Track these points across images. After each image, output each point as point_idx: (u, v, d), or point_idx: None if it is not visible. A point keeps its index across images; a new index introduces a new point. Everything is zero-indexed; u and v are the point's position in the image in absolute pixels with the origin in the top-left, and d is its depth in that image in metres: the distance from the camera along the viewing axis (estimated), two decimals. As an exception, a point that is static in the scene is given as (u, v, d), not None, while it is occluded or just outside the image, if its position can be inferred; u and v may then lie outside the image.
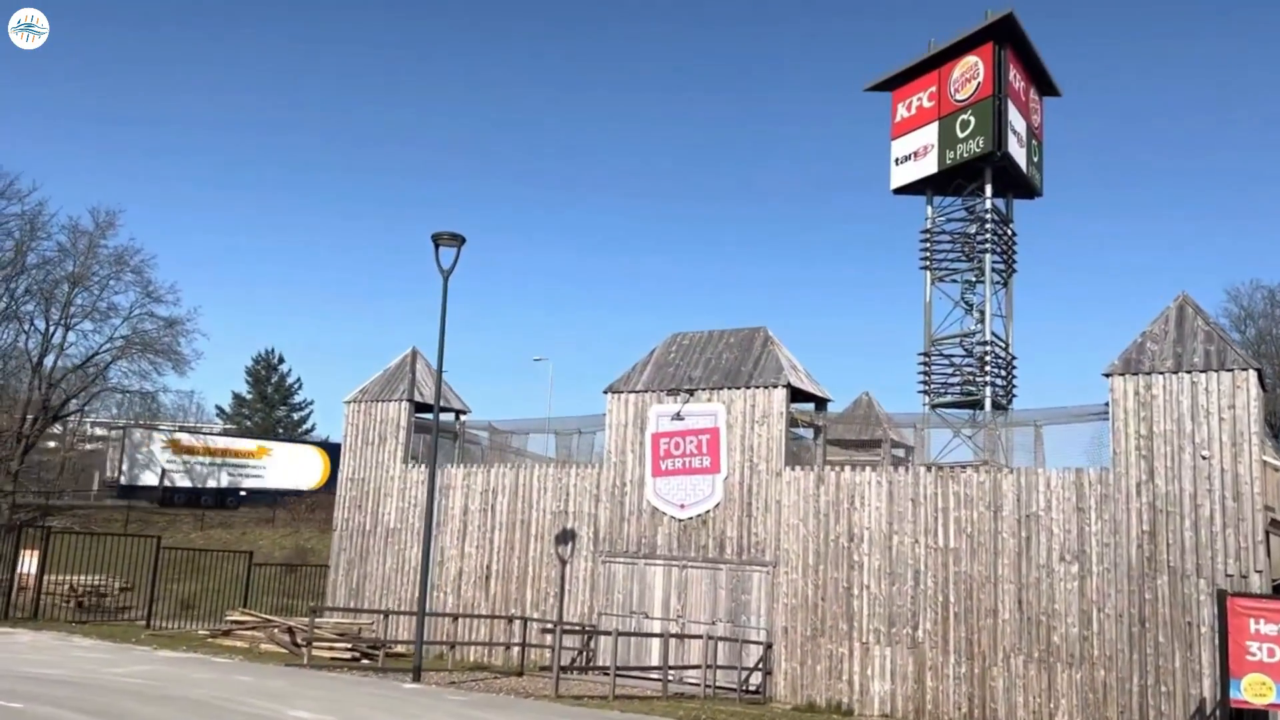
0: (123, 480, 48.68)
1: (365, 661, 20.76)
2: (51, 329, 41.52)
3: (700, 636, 20.53)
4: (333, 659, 20.55)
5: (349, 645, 21.23)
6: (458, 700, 15.31)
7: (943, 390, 30.21)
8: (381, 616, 21.93)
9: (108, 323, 42.06)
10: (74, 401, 43.71)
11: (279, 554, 38.19)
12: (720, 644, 20.76)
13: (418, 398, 27.32)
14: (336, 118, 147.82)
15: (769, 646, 21.22)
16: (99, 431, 74.36)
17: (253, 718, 12.08)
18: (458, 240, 18.30)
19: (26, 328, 42.42)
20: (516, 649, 22.27)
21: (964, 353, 30.24)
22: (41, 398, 40.78)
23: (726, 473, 22.47)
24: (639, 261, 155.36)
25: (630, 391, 24.04)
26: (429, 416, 27.61)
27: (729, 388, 22.80)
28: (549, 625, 21.33)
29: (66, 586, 26.86)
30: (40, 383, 41.01)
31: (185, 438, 52.11)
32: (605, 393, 24.42)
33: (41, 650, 18.08)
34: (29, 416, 40.11)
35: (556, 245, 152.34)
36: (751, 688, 21.01)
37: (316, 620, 22.10)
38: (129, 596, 27.59)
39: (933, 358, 30.34)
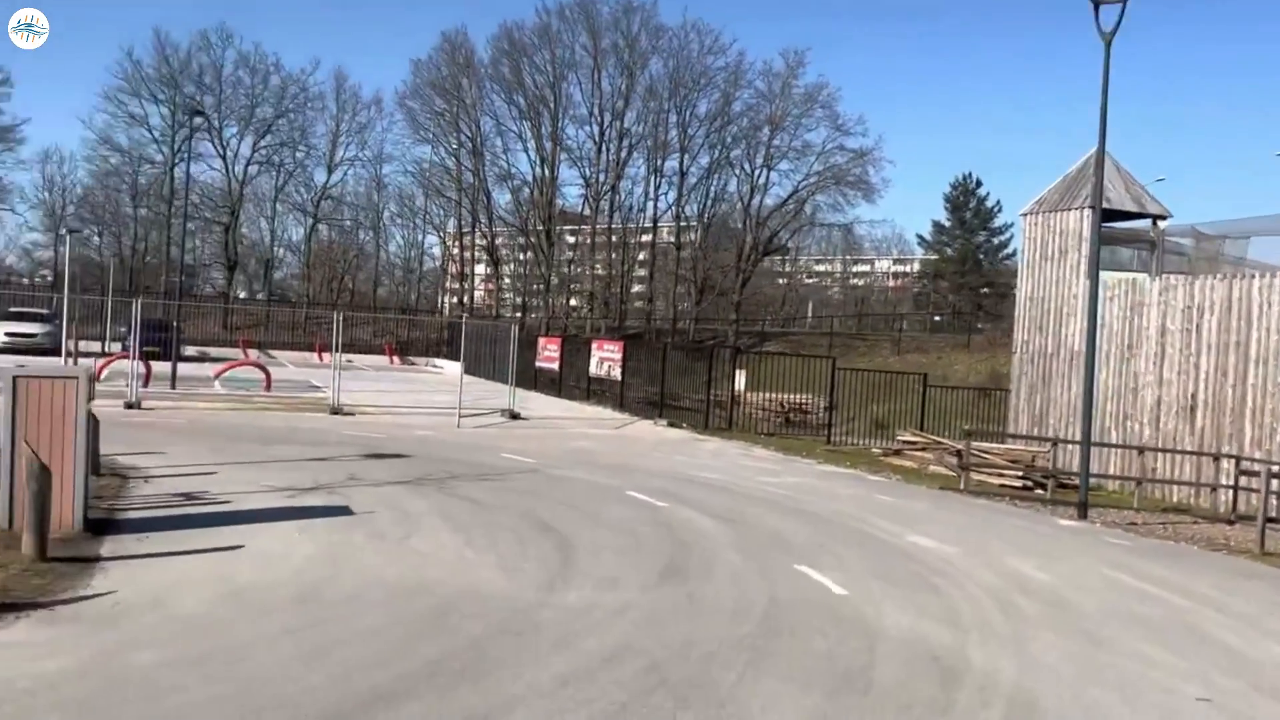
0: None
1: (1038, 492, 18.99)
2: (756, 171, 45.05)
3: None
4: (1001, 485, 19.17)
5: (1019, 474, 19.62)
6: (1118, 545, 12.96)
7: None
8: (1051, 445, 19.82)
9: (803, 160, 44.25)
10: (781, 236, 47.22)
11: (973, 379, 37.34)
12: None
13: (1104, 205, 23.63)
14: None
15: None
16: (818, 266, 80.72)
17: (869, 537, 11.42)
18: (1121, -8, 14.69)
19: (737, 172, 46.75)
20: (1227, 493, 18.47)
21: None
22: (753, 236, 44.76)
23: None
24: None
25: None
26: (1118, 225, 24.03)
27: None
28: (1266, 467, 17.17)
29: (777, 404, 29.41)
30: (750, 221, 44.98)
31: None
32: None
33: (719, 457, 19.69)
34: (744, 253, 44.36)
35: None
36: None
37: (985, 445, 20.95)
38: (832, 415, 29.16)
39: None
